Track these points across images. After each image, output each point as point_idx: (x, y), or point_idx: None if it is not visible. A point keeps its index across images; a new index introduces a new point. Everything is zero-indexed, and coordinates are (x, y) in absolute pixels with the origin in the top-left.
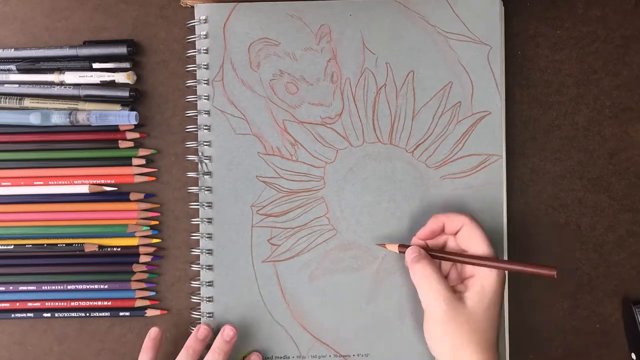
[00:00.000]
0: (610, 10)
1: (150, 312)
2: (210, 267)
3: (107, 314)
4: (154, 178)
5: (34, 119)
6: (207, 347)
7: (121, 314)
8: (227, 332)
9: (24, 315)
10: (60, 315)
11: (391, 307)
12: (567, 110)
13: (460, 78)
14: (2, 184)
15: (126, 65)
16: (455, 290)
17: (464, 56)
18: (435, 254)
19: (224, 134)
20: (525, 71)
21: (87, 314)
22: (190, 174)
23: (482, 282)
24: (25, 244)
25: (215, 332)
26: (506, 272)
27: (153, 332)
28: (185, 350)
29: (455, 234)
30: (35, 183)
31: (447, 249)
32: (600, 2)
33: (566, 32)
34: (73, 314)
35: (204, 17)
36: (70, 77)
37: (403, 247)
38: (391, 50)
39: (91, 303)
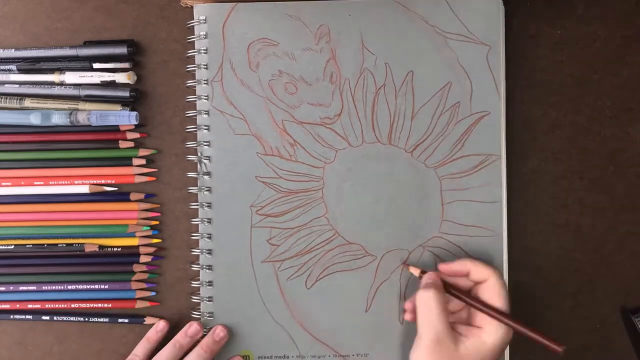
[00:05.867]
0: (610, 10)
1: (149, 320)
2: (210, 267)
3: (106, 319)
4: (154, 178)
5: (34, 119)
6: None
7: (120, 320)
8: (217, 332)
9: (23, 317)
10: (59, 319)
11: (390, 307)
12: (567, 110)
13: (460, 78)
14: (2, 184)
15: (126, 65)
16: (456, 330)
17: (463, 56)
18: (453, 291)
19: (223, 134)
20: (525, 71)
21: (87, 319)
22: (191, 174)
23: (486, 336)
24: (25, 244)
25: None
26: (511, 335)
27: (160, 324)
28: (171, 343)
29: (477, 283)
30: (35, 183)
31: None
32: (600, 2)
33: (566, 32)
34: (72, 319)
35: (203, 17)
36: (71, 77)
37: (424, 272)
38: (390, 50)
39: (92, 305)
